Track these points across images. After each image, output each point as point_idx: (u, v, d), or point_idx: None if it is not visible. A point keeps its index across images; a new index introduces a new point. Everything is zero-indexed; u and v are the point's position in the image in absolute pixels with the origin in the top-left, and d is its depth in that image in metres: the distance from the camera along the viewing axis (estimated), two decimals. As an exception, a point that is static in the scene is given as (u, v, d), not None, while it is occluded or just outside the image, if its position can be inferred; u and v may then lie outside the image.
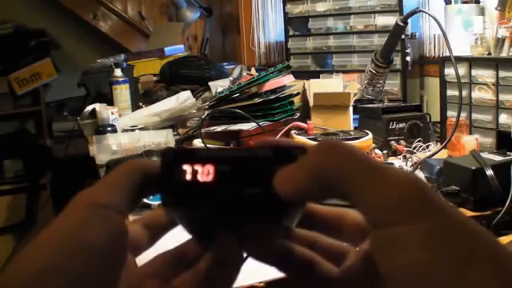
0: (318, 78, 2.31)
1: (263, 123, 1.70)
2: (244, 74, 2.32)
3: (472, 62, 1.57)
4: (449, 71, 1.63)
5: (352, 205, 0.27)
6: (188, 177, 0.30)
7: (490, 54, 1.56)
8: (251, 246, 0.31)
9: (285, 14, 2.57)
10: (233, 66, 2.62)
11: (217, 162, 0.30)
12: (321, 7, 2.41)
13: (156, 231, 0.35)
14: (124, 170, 0.31)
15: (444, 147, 1.45)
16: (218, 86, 2.11)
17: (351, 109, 1.77)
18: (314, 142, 1.55)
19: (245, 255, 0.32)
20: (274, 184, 0.29)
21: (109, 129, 1.86)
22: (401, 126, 1.63)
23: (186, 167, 0.30)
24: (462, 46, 1.64)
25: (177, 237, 0.35)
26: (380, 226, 0.25)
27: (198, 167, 0.30)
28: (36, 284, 0.26)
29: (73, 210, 0.29)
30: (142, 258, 0.34)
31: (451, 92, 1.63)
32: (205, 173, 0.30)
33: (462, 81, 1.52)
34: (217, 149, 0.31)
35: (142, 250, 0.34)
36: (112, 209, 0.29)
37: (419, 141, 1.57)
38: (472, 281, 0.23)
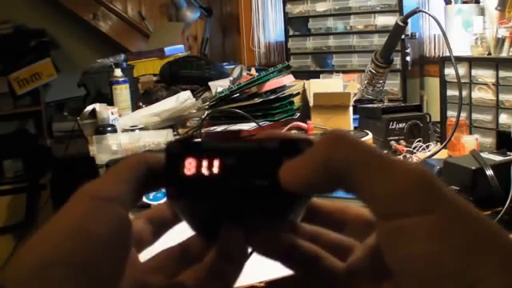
0: (318, 78, 2.31)
1: (263, 123, 1.70)
2: (244, 73, 2.32)
3: (472, 61, 1.57)
4: (449, 71, 1.63)
5: (358, 196, 0.27)
6: (193, 170, 0.30)
7: (489, 54, 1.56)
8: (256, 240, 0.31)
9: (285, 14, 2.56)
10: (233, 66, 2.62)
11: (222, 154, 0.30)
12: (321, 7, 2.41)
13: (160, 227, 0.34)
14: (128, 163, 0.31)
15: (444, 147, 1.45)
16: (218, 86, 2.11)
17: (351, 109, 1.77)
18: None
19: (249, 251, 0.32)
20: (281, 176, 0.28)
21: (109, 129, 1.86)
22: (401, 126, 1.62)
23: (191, 160, 0.30)
24: (462, 46, 1.64)
25: (180, 233, 0.35)
26: (388, 217, 0.25)
27: (203, 160, 0.30)
28: (39, 275, 0.26)
29: (76, 202, 0.29)
30: (146, 254, 0.34)
31: (451, 92, 1.63)
32: (210, 166, 0.29)
33: (462, 81, 1.52)
34: (222, 141, 0.31)
35: (146, 245, 0.34)
36: (116, 201, 0.29)
37: (419, 141, 1.57)
38: (481, 270, 0.23)
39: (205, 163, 0.30)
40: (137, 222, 0.33)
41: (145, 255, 0.33)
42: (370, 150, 0.27)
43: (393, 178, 0.25)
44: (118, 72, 2.18)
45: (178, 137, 1.88)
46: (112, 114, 1.92)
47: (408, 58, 2.18)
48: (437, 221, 0.24)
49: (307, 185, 0.28)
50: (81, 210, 0.28)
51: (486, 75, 1.53)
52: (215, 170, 0.29)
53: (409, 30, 2.18)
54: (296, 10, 2.51)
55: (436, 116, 1.80)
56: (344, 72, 2.33)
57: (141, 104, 2.25)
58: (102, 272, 0.27)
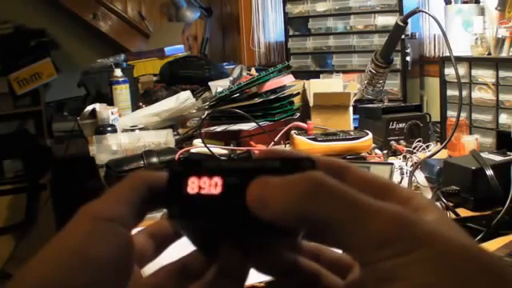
0: (318, 77, 2.31)
1: (263, 123, 1.70)
2: (244, 73, 2.32)
3: (472, 62, 1.57)
4: (449, 71, 1.63)
5: (339, 248, 0.27)
6: (195, 190, 0.30)
7: (489, 54, 1.56)
8: (257, 258, 0.31)
9: (285, 14, 2.56)
10: (233, 66, 2.62)
11: (224, 174, 0.30)
12: (321, 7, 2.41)
13: (162, 242, 0.34)
14: (130, 182, 0.31)
15: (444, 147, 1.45)
16: (218, 86, 2.11)
17: (351, 109, 1.77)
18: (314, 143, 1.55)
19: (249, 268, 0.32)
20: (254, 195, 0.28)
21: (109, 129, 1.86)
22: (401, 126, 1.62)
23: (193, 180, 0.30)
24: (461, 46, 1.64)
25: (181, 248, 0.35)
26: (370, 263, 0.25)
27: (205, 179, 0.30)
28: None
29: (77, 223, 0.29)
30: (147, 269, 0.34)
31: (451, 92, 1.63)
32: (212, 185, 0.29)
33: (462, 81, 1.52)
34: (224, 160, 0.31)
35: (148, 260, 0.34)
36: (117, 222, 0.29)
37: (419, 141, 1.57)
38: None
39: (207, 183, 0.30)
40: (138, 237, 0.33)
41: (145, 270, 0.33)
42: (348, 199, 0.26)
43: (372, 228, 0.25)
44: (117, 72, 2.18)
45: (177, 137, 1.88)
46: (112, 114, 1.92)
47: (408, 58, 2.18)
48: (422, 257, 0.24)
49: (275, 220, 0.27)
50: (82, 231, 0.28)
51: (486, 75, 1.53)
52: (217, 189, 0.29)
53: (409, 30, 2.17)
54: (296, 10, 2.51)
55: (436, 116, 1.80)
56: (344, 72, 2.33)
57: (141, 104, 2.26)
58: None
